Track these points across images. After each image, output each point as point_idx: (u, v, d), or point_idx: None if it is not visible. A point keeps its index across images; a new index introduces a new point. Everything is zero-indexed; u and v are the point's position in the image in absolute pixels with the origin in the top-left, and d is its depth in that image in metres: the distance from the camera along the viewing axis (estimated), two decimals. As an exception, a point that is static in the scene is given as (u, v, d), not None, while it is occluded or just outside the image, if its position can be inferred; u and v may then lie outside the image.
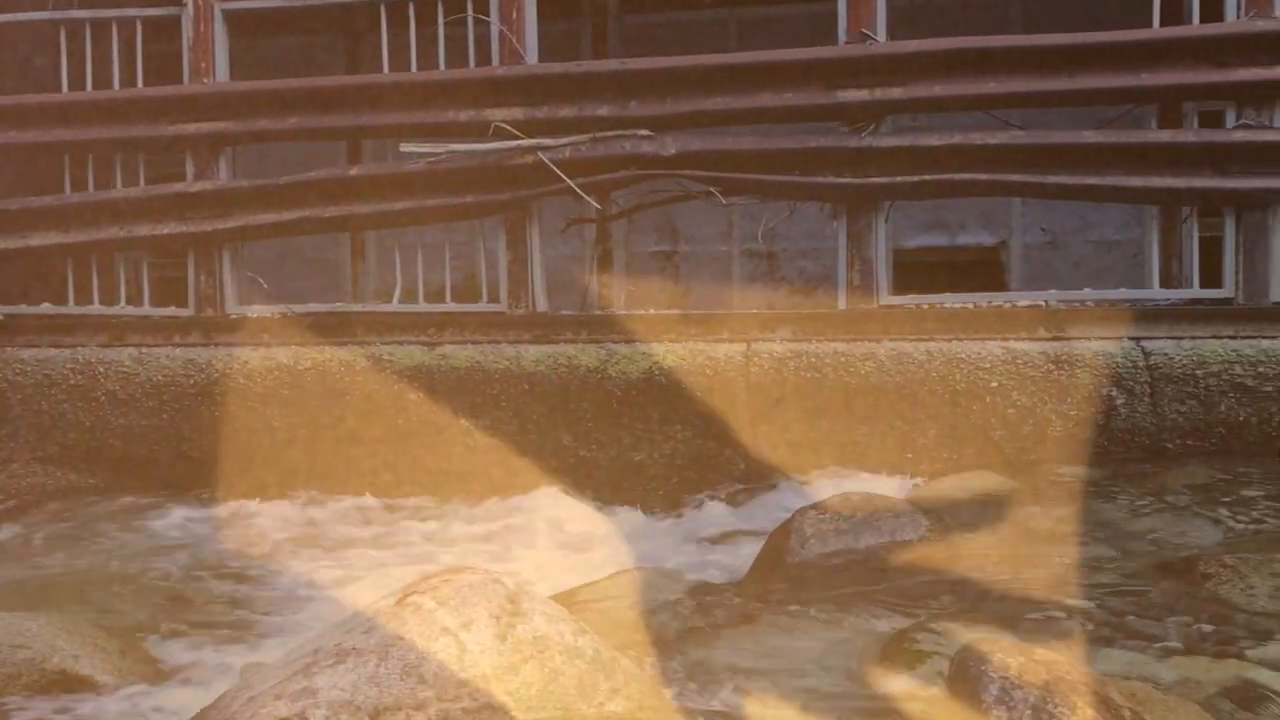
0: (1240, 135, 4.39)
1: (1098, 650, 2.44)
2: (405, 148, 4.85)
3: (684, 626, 2.72)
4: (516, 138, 4.77)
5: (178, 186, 5.21)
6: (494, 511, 4.49)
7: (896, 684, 2.30)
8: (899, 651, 2.43)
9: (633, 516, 4.47)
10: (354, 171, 5.22)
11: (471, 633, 2.10)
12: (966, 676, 1.98)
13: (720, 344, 4.78)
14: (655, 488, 4.72)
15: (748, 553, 3.60)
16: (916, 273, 6.22)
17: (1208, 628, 2.57)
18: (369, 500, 4.79)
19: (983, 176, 4.54)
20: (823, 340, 4.71)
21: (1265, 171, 4.34)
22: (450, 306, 5.06)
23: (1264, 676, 2.28)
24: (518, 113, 4.85)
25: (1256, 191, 4.36)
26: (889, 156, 4.62)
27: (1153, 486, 3.92)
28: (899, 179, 4.62)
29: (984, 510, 3.71)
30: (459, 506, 4.63)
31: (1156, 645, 2.48)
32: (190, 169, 5.23)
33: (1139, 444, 4.40)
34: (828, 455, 4.63)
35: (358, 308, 5.24)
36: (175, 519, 4.66)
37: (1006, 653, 2.00)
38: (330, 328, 5.11)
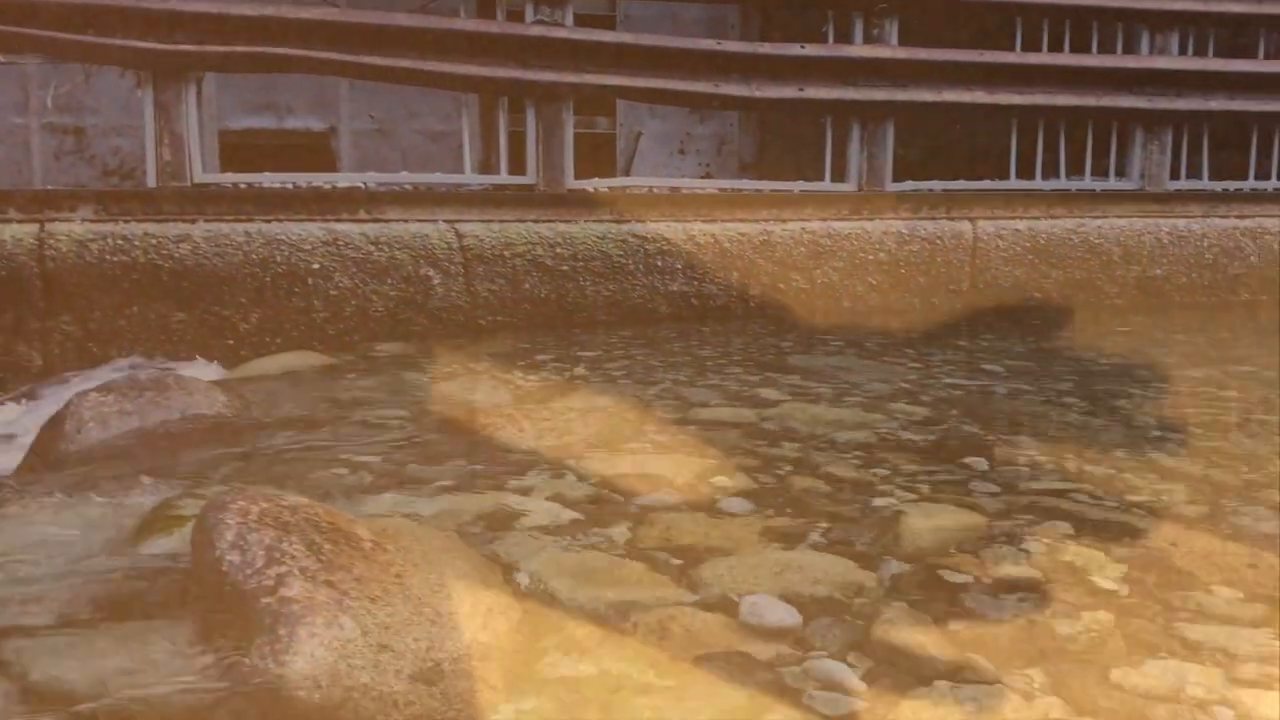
0: (537, 30, 4.73)
1: (371, 497, 2.51)
2: None
3: (-92, 526, 2.33)
4: None
5: None
6: None
7: (152, 549, 2.17)
8: (160, 519, 2.29)
9: (-113, 424, 3.79)
10: None
11: None
12: (205, 527, 1.89)
13: (8, 225, 4.19)
14: (-76, 391, 4.05)
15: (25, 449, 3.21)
16: (245, 154, 5.95)
17: (480, 468, 2.76)
18: None
19: (298, 52, 4.43)
20: (131, 221, 4.33)
21: (555, 66, 4.72)
22: None
23: (516, 500, 2.49)
24: None
25: (550, 84, 4.74)
26: (197, 22, 4.31)
27: (462, 357, 4.15)
28: (208, 48, 4.34)
29: (294, 386, 3.67)
30: None
31: (429, 487, 2.61)
32: None
33: (455, 320, 4.64)
34: (140, 344, 4.30)
35: None
36: None
37: (250, 500, 1.95)
38: None
